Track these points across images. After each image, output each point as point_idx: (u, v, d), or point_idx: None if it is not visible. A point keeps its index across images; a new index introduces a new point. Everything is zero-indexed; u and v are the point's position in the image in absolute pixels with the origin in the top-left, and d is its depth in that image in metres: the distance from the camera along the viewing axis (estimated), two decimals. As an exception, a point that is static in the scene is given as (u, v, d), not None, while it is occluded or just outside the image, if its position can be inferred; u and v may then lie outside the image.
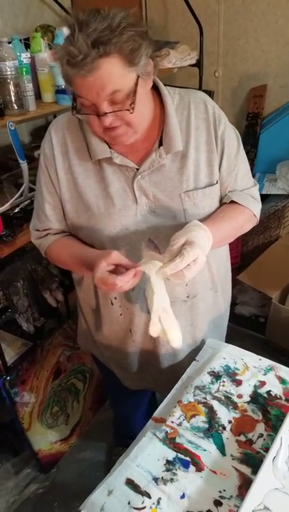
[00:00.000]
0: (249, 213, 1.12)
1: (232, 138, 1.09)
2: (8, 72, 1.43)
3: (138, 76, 0.90)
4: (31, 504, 1.74)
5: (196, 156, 1.04)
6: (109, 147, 1.03)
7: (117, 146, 1.03)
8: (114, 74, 0.86)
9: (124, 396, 1.48)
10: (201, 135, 1.05)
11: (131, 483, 0.82)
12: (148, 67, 0.92)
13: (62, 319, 1.91)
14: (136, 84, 0.90)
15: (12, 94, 1.46)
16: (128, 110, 0.90)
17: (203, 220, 1.04)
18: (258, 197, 1.17)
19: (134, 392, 1.37)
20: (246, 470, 0.82)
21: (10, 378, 1.58)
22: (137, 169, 1.03)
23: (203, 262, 0.89)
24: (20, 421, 1.67)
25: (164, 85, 1.06)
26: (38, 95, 1.68)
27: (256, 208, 1.14)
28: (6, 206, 1.51)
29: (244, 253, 2.65)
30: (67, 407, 1.89)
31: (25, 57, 1.53)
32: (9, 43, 1.58)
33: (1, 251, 1.45)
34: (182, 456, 0.86)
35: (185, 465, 0.84)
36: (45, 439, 1.80)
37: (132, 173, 1.04)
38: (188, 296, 1.14)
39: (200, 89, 2.25)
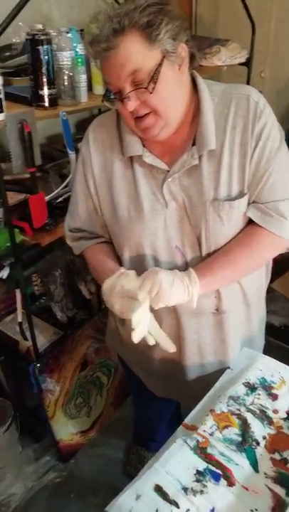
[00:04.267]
0: (267, 235, 0.99)
1: (271, 138, 0.95)
2: (65, 62, 1.43)
3: (163, 56, 0.86)
4: (48, 492, 1.76)
5: (229, 160, 0.95)
6: (143, 145, 1.00)
7: (150, 142, 0.99)
8: (133, 52, 0.83)
9: (148, 402, 1.45)
10: (237, 135, 0.95)
11: (159, 490, 0.80)
12: (179, 49, 0.88)
13: (94, 311, 1.91)
14: (159, 65, 0.85)
15: (66, 84, 1.46)
16: (146, 88, 0.86)
17: (224, 237, 1.01)
18: (287, 213, 0.99)
19: (158, 399, 1.33)
20: (280, 491, 0.79)
21: (40, 365, 1.59)
22: (168, 171, 0.99)
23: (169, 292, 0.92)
24: (45, 408, 1.68)
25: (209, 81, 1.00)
26: (89, 87, 1.67)
27: (281, 227, 0.99)
28: (53, 195, 1.52)
29: (279, 259, 2.58)
30: (90, 399, 1.90)
31: (81, 48, 1.52)
32: (67, 33, 1.58)
33: (43, 239, 1.46)
34: (213, 468, 0.84)
35: (216, 478, 0.82)
36: (66, 429, 1.81)
37: (162, 176, 1.00)
38: (217, 310, 1.08)
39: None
